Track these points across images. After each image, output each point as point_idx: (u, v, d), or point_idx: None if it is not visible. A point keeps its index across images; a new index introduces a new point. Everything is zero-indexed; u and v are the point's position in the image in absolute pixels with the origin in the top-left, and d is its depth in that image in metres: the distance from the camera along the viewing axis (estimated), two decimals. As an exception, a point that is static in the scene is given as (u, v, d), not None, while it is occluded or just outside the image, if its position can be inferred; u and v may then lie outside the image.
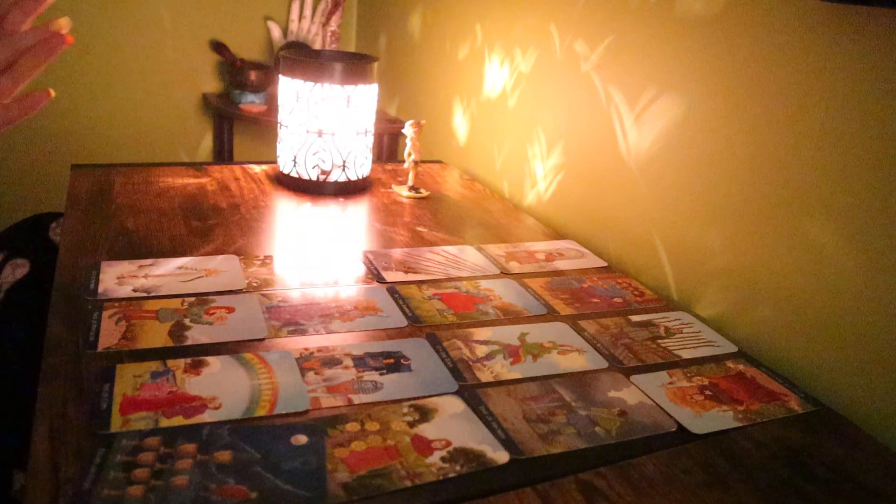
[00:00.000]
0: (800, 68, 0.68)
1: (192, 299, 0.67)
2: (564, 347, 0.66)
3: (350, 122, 1.04)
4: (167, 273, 0.72)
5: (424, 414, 0.53)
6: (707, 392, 0.61)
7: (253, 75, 1.89)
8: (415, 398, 0.55)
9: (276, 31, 2.00)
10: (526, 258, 0.88)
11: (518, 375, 0.60)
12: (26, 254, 0.77)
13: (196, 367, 0.56)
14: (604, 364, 0.64)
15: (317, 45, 2.01)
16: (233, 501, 0.43)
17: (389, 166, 1.26)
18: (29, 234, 0.82)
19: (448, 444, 0.50)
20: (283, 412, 0.52)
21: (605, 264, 0.88)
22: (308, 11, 1.99)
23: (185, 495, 0.43)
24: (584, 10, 0.98)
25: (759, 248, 0.73)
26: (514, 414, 0.55)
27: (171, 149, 1.99)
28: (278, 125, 1.08)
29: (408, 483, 0.46)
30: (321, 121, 1.02)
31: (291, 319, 0.65)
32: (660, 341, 0.70)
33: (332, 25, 1.99)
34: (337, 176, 1.05)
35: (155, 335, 0.60)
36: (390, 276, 0.78)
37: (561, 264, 0.87)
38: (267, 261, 0.78)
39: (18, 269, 0.75)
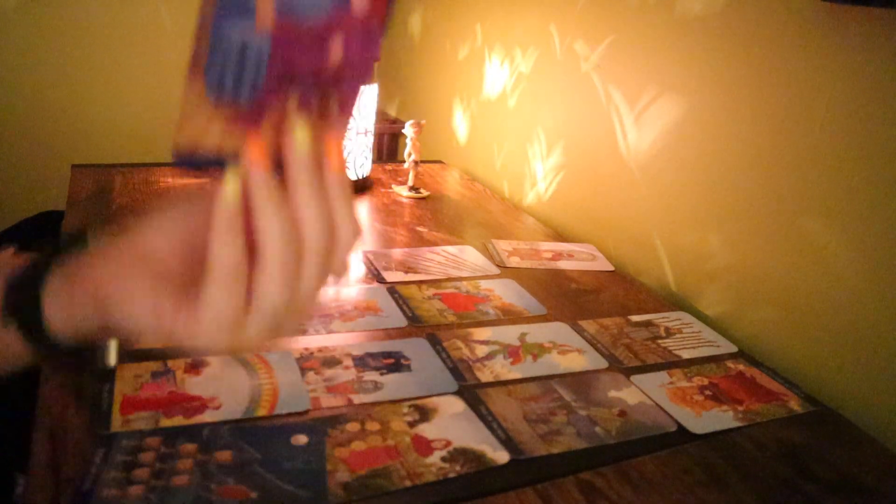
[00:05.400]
0: (800, 68, 0.68)
1: (193, 299, 0.67)
2: (564, 347, 0.66)
3: (350, 122, 1.04)
4: (167, 273, 0.72)
5: (424, 414, 0.53)
6: (707, 392, 0.61)
7: (253, 75, 1.89)
8: (415, 398, 0.55)
9: (276, 31, 2.00)
10: (529, 255, 0.88)
11: (518, 375, 0.60)
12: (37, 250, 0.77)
13: (196, 367, 0.56)
14: (604, 364, 0.64)
15: (317, 45, 2.01)
16: (233, 501, 0.43)
17: (389, 166, 1.26)
18: (39, 230, 0.81)
19: (448, 444, 0.50)
20: (283, 412, 0.52)
21: (612, 269, 0.88)
22: (308, 11, 1.99)
23: (186, 495, 0.43)
24: (584, 10, 0.98)
25: (759, 248, 0.73)
26: (515, 414, 0.55)
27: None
28: (278, 125, 1.08)
29: (408, 483, 0.46)
30: (321, 121, 1.02)
31: (291, 319, 0.65)
32: (660, 341, 0.70)
33: (332, 25, 1.99)
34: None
35: (155, 335, 0.60)
36: (390, 276, 0.78)
37: (564, 264, 0.87)
38: (267, 261, 0.78)
39: None
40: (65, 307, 0.36)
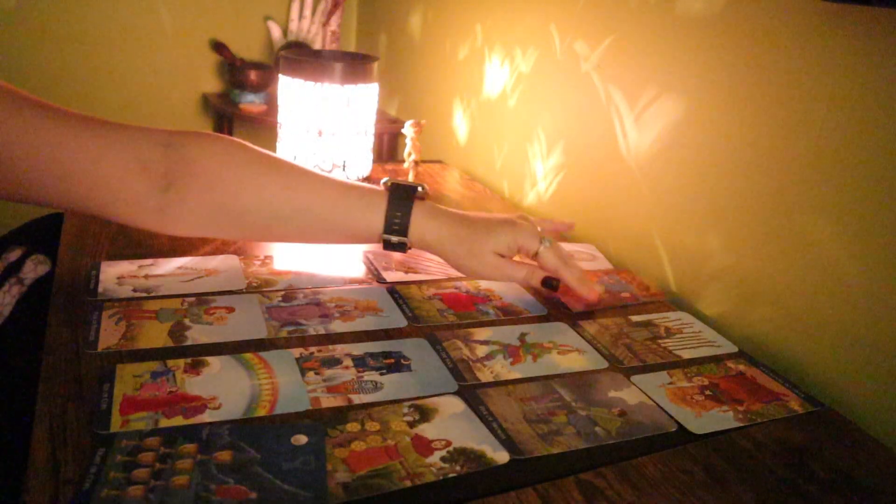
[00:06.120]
0: (800, 68, 0.68)
1: (192, 299, 0.67)
2: (564, 347, 0.66)
3: (350, 122, 1.04)
4: (167, 273, 0.72)
5: (424, 414, 0.53)
6: (707, 392, 0.61)
7: (253, 75, 1.89)
8: (415, 398, 0.55)
9: (276, 31, 2.00)
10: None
11: (518, 375, 0.60)
12: (47, 251, 0.77)
13: (196, 367, 0.56)
14: (604, 364, 0.64)
15: (317, 45, 2.01)
16: (233, 501, 0.43)
17: (389, 166, 1.26)
18: (49, 231, 0.82)
19: (448, 444, 0.50)
20: (283, 412, 0.52)
21: (611, 268, 0.88)
22: (308, 11, 1.99)
23: (186, 495, 0.43)
24: (584, 10, 0.98)
25: (760, 248, 0.73)
26: (515, 414, 0.55)
27: (171, 149, 1.99)
28: (278, 125, 1.08)
29: (408, 483, 0.46)
30: (321, 121, 1.02)
31: (291, 319, 0.65)
32: (660, 341, 0.70)
33: (332, 25, 1.99)
34: (337, 176, 1.05)
35: (155, 335, 0.60)
36: (390, 276, 0.78)
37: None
38: (267, 261, 0.78)
39: (41, 266, 0.75)
40: (422, 227, 0.68)
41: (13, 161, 0.58)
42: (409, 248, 0.70)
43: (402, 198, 0.68)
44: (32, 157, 0.58)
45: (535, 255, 0.71)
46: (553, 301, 0.75)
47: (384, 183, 0.70)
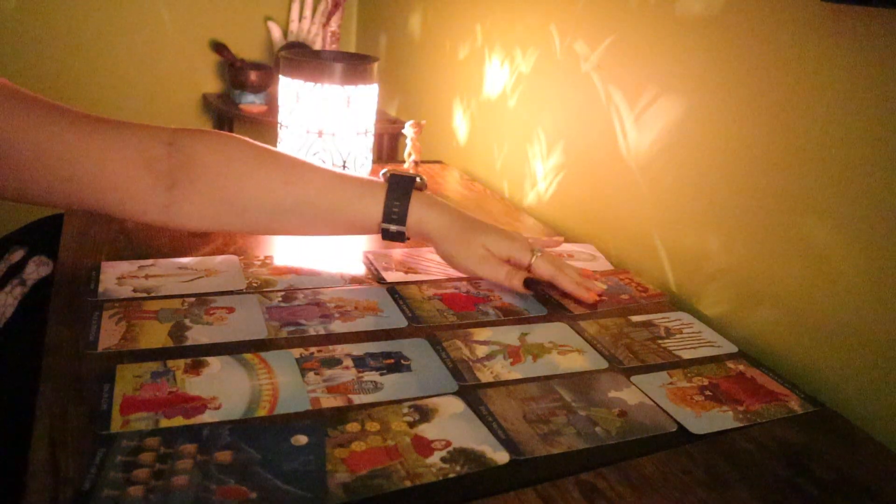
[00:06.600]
0: (800, 68, 0.68)
1: (192, 299, 0.67)
2: (564, 347, 0.66)
3: (350, 122, 1.04)
4: (167, 273, 0.72)
5: (424, 414, 0.53)
6: (707, 392, 0.61)
7: (253, 75, 1.89)
8: (415, 398, 0.55)
9: (276, 32, 2.00)
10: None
11: (518, 376, 0.60)
12: (49, 252, 0.78)
13: (196, 368, 0.56)
14: (604, 364, 0.64)
15: (317, 46, 2.01)
16: (233, 502, 0.43)
17: (389, 166, 1.26)
18: (49, 231, 0.82)
19: (448, 444, 0.50)
20: (283, 412, 0.52)
21: (612, 269, 0.88)
22: (308, 12, 1.99)
23: (186, 495, 0.43)
24: (584, 11, 0.98)
25: (760, 248, 0.73)
26: (515, 414, 0.55)
27: (172, 149, 1.99)
28: (278, 125, 1.08)
29: (408, 483, 0.46)
30: (321, 121, 1.02)
31: (291, 319, 0.65)
32: (660, 341, 0.70)
33: (333, 26, 1.99)
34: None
35: (155, 335, 0.60)
36: (390, 276, 0.78)
37: (561, 264, 0.87)
38: (267, 261, 0.78)
39: (43, 267, 0.75)
40: (421, 215, 0.69)
41: (21, 161, 0.58)
42: (408, 239, 0.71)
43: (401, 187, 0.69)
44: (40, 157, 0.59)
45: (529, 267, 0.73)
46: (553, 301, 0.76)
47: (383, 174, 0.72)
